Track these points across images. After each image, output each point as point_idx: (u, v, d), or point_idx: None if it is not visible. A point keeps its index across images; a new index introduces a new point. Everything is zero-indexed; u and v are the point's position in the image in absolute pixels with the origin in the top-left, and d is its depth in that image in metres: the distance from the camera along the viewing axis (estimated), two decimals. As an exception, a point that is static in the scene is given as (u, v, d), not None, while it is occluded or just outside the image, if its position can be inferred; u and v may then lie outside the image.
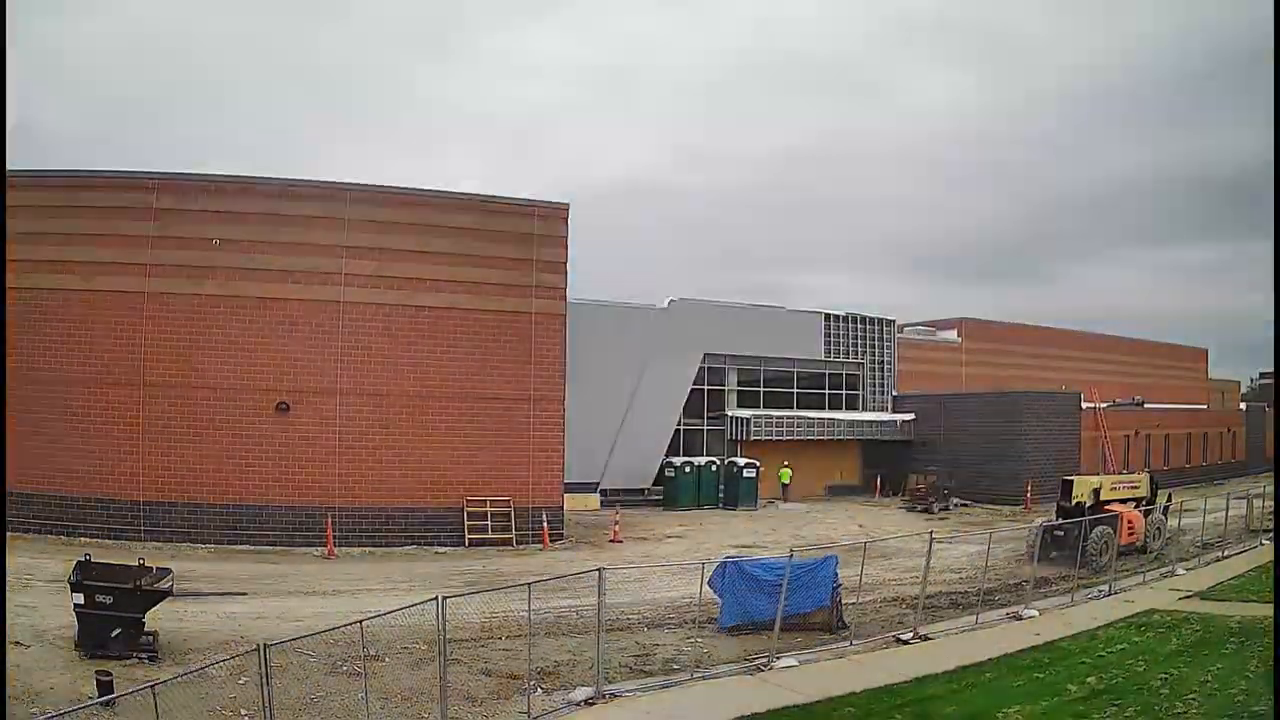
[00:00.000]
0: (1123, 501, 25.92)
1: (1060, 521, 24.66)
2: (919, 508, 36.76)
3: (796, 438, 41.31)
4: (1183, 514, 27.37)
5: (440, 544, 25.19)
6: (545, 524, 26.69)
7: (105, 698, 10.50)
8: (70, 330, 24.27)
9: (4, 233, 20.25)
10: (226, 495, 24.25)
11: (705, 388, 40.69)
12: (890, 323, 47.30)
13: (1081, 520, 22.36)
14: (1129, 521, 24.77)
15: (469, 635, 14.32)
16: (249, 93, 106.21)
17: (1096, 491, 25.90)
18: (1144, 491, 27.42)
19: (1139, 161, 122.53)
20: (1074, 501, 25.74)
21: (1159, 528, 26.53)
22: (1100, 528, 22.89)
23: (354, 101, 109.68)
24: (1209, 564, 23.47)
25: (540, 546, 26.10)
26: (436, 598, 11.30)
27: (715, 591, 16.14)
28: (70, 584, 13.96)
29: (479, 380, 26.65)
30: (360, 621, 9.89)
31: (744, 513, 35.65)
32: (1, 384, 16.96)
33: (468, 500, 26.00)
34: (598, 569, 12.89)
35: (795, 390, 43.68)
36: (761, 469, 37.74)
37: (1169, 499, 28.29)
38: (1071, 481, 27.02)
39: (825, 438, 42.17)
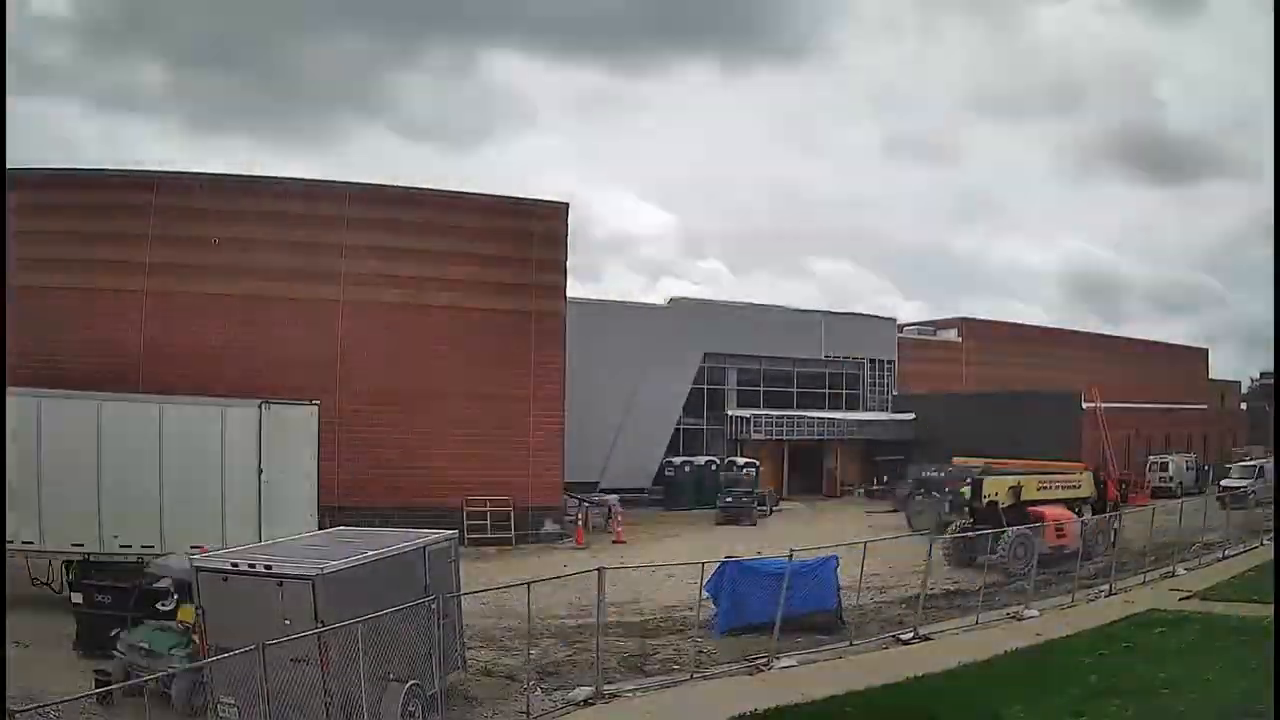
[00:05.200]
0: (1059, 503, 23.81)
1: (962, 525, 23.17)
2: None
3: (796, 437, 41.29)
4: (1183, 515, 27.19)
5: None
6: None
7: (102, 689, 10.50)
8: (70, 330, 24.26)
9: (5, 232, 20.23)
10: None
11: (705, 388, 40.70)
12: (890, 322, 47.31)
13: (983, 524, 21.17)
14: (1056, 523, 22.49)
15: (468, 635, 14.27)
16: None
17: (1016, 491, 23.66)
18: (1086, 491, 25.14)
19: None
20: (985, 502, 23.50)
21: (1105, 532, 23.88)
22: (1018, 532, 20.94)
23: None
24: (1209, 564, 23.40)
25: (540, 546, 26.08)
26: (436, 597, 11.30)
27: (712, 595, 16.08)
28: (69, 584, 13.95)
29: (479, 380, 26.64)
30: (357, 621, 9.85)
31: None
32: (1, 384, 16.93)
33: (467, 500, 25.98)
34: (597, 569, 12.87)
35: (795, 390, 43.68)
36: (761, 468, 37.73)
37: (1116, 504, 25.89)
38: (981, 480, 24.22)
39: (825, 437, 42.16)
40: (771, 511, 34.88)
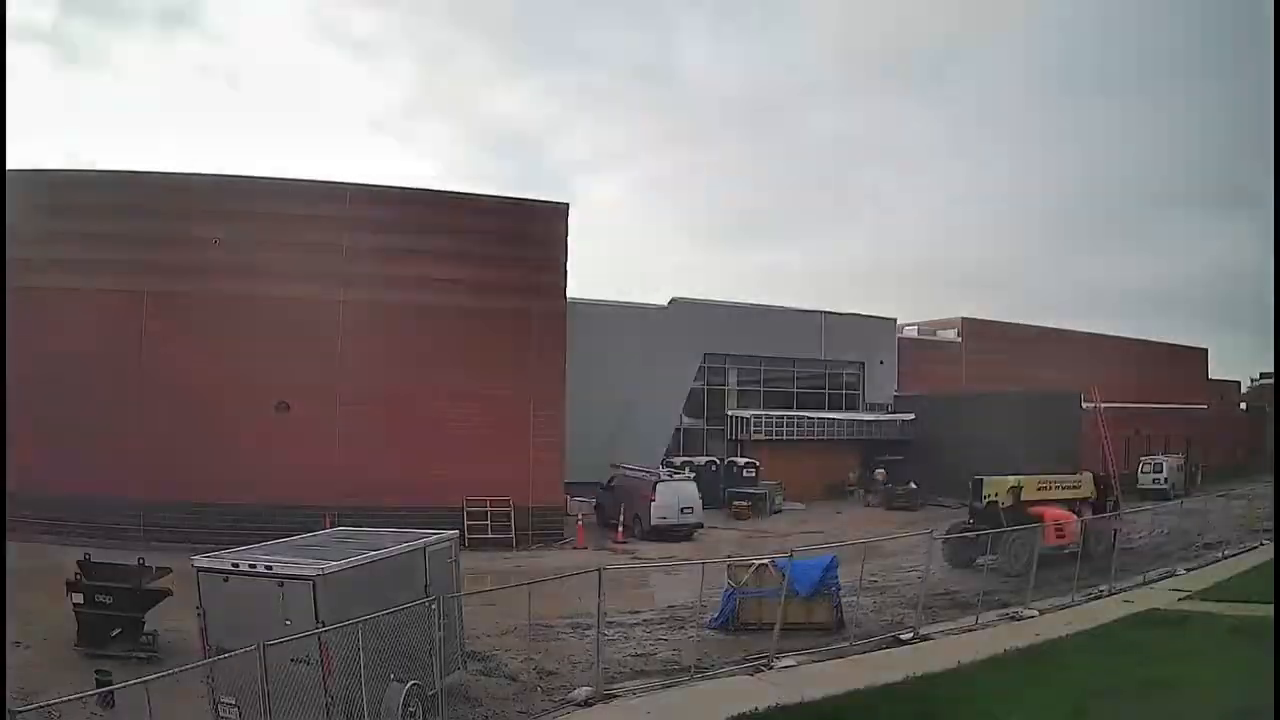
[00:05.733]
0: (1059, 504, 23.68)
1: (966, 524, 23.34)
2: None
3: (796, 437, 41.29)
4: (1184, 515, 27.22)
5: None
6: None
7: (102, 689, 10.51)
8: (70, 330, 24.26)
9: (4, 232, 20.25)
10: (226, 494, 24.23)
11: (705, 387, 40.70)
12: (890, 322, 47.30)
13: (982, 524, 21.03)
14: (1056, 523, 22.24)
15: (467, 635, 14.30)
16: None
17: (1016, 491, 23.80)
18: (1086, 492, 25.18)
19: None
20: (985, 503, 23.70)
21: (1104, 532, 23.25)
22: (1016, 534, 20.73)
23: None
24: (1209, 564, 23.43)
25: (541, 546, 26.08)
26: (436, 597, 11.31)
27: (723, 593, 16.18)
28: (69, 584, 13.97)
29: (479, 380, 26.64)
30: (357, 621, 9.86)
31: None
32: (2, 383, 16.97)
33: (467, 500, 25.98)
34: (597, 569, 12.87)
35: (795, 390, 43.68)
36: (762, 468, 37.71)
37: (1116, 503, 25.62)
38: (981, 480, 24.33)
39: (825, 437, 42.15)
40: (772, 511, 35.04)
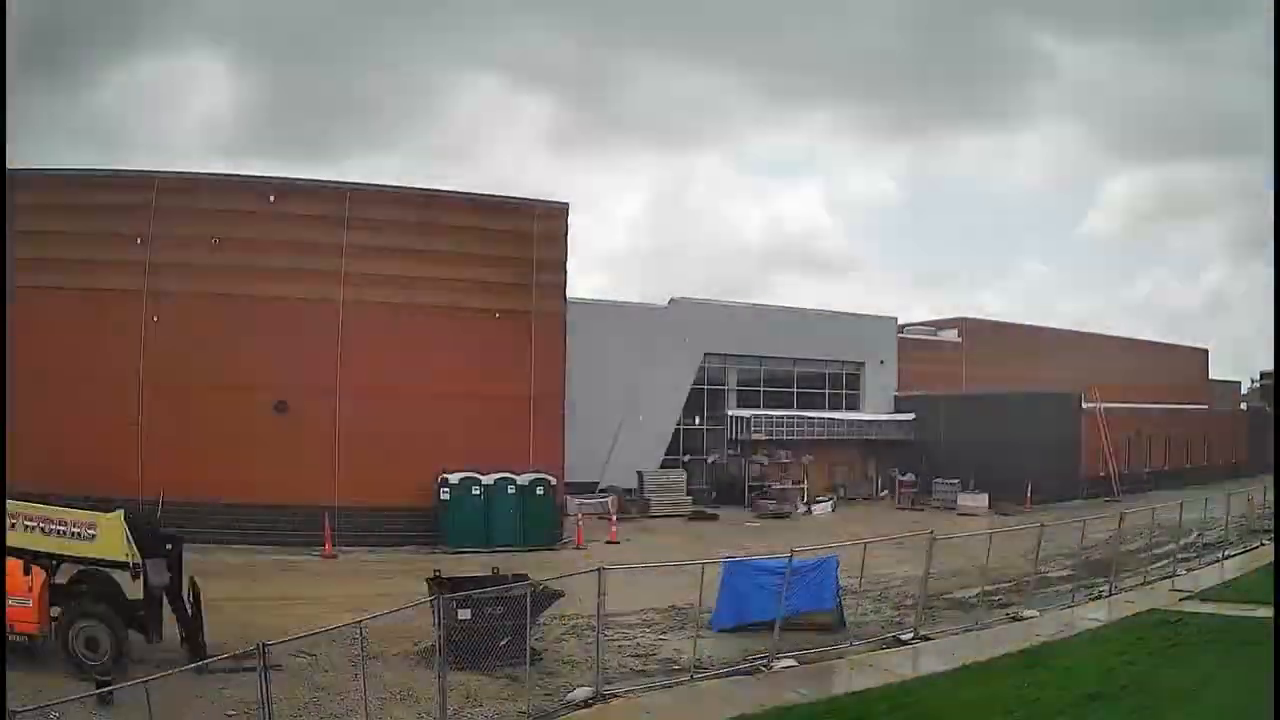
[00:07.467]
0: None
1: None
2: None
3: (796, 437, 41.28)
4: (1184, 513, 27.13)
5: (440, 544, 25.14)
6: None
7: (102, 690, 10.52)
8: (70, 330, 24.25)
9: (5, 232, 20.23)
10: (225, 495, 24.19)
11: (705, 388, 40.69)
12: (890, 322, 47.31)
13: None
14: None
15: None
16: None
17: None
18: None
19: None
20: None
21: None
22: None
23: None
24: (1209, 565, 23.43)
25: (540, 545, 26.06)
26: (436, 597, 11.32)
27: (718, 592, 16.14)
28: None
29: (479, 380, 26.64)
30: (360, 622, 9.87)
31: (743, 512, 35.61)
32: (1, 383, 16.95)
33: (468, 500, 25.97)
34: (597, 569, 12.86)
35: (795, 390, 43.67)
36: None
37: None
38: None
39: (825, 438, 42.16)
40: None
